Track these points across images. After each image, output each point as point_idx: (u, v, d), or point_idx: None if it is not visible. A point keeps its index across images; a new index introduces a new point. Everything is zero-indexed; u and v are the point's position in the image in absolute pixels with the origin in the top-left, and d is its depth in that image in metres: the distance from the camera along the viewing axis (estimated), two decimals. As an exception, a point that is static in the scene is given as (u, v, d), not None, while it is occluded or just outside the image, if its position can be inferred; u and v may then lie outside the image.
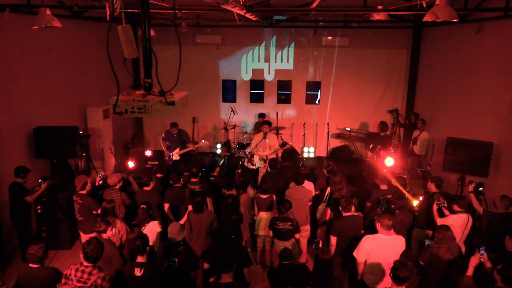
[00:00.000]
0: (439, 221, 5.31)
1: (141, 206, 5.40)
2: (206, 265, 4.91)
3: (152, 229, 5.18)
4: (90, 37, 8.80)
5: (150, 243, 5.01)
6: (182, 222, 5.81)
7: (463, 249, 5.03)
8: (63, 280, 3.99)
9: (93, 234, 5.17)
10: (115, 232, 5.01)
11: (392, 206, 5.38)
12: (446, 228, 4.58)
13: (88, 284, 3.88)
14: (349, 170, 9.68)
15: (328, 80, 11.47)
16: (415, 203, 6.20)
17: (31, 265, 4.05)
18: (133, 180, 6.68)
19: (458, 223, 5.05)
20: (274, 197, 6.24)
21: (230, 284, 3.93)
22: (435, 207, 5.45)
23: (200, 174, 6.71)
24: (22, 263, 4.10)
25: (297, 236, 5.74)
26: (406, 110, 11.25)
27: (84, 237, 5.70)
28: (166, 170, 7.31)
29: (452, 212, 5.32)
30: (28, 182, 6.06)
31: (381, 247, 4.49)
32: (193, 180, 6.59)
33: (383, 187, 6.04)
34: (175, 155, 8.58)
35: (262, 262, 6.34)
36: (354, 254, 4.63)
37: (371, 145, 8.94)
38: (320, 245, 4.94)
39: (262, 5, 6.47)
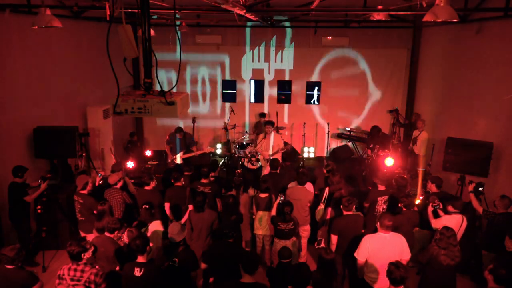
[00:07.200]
0: (433, 222, 5.32)
1: (144, 206, 5.39)
2: (203, 265, 4.90)
3: (154, 229, 5.18)
4: (90, 37, 8.79)
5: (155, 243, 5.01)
6: (183, 221, 5.80)
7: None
8: (57, 281, 3.99)
9: (95, 234, 5.18)
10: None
11: (400, 205, 5.38)
12: (447, 230, 4.54)
13: (82, 282, 3.90)
14: (349, 170, 9.70)
15: (328, 80, 11.46)
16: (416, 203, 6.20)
17: (6, 266, 3.99)
18: (129, 180, 6.56)
19: (452, 224, 5.05)
20: (274, 197, 6.24)
21: (253, 284, 3.91)
22: (430, 208, 5.47)
23: (212, 174, 6.44)
24: (1, 264, 4.03)
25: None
26: (406, 110, 11.24)
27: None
28: (166, 170, 7.29)
29: (447, 212, 5.33)
30: (27, 182, 6.05)
31: (382, 246, 4.51)
32: (203, 181, 6.34)
33: (381, 187, 6.03)
34: (178, 159, 8.40)
35: (261, 261, 6.34)
36: (355, 254, 4.64)
37: (372, 145, 8.93)
38: (322, 244, 4.93)
39: (262, 5, 6.47)
